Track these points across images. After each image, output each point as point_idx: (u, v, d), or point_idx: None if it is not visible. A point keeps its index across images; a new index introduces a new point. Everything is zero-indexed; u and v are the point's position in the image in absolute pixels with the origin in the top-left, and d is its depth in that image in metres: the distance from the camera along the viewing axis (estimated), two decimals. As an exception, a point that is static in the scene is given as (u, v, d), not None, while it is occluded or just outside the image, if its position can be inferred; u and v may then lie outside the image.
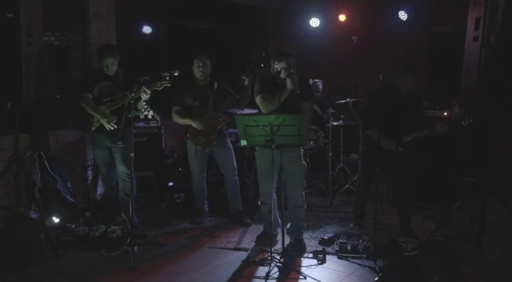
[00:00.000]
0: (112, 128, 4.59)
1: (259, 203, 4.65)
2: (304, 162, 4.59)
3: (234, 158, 5.13)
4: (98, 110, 4.63)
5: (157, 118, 5.45)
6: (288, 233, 4.49)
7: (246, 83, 4.75)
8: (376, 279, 3.68)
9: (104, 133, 4.68)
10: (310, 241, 4.61)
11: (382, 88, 4.75)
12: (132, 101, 4.30)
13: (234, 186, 5.16)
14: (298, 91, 4.11)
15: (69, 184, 5.03)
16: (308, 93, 4.40)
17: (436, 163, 5.48)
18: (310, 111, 4.46)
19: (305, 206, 4.52)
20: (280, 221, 4.58)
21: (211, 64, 4.97)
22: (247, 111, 5.45)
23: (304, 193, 4.55)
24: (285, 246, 4.12)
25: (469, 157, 5.05)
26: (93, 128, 4.72)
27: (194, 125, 4.92)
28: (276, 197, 4.52)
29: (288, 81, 4.12)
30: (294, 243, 4.49)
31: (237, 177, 5.16)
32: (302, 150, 4.49)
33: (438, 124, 4.39)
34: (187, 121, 4.96)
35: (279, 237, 4.32)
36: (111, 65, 4.66)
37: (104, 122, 4.61)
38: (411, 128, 4.52)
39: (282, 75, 4.20)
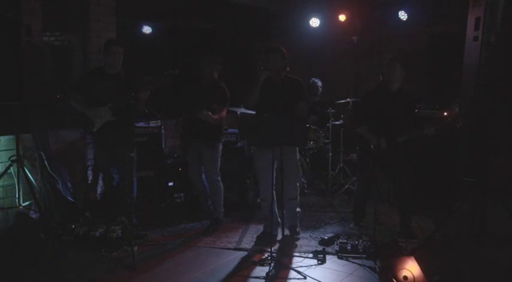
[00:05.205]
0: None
1: (258, 200, 4.68)
2: (298, 154, 4.63)
3: (219, 162, 5.01)
4: (88, 109, 4.59)
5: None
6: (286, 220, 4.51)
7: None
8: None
9: (105, 133, 4.68)
10: (310, 241, 4.61)
11: (374, 87, 4.84)
12: (133, 101, 4.30)
13: (218, 190, 5.05)
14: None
15: (69, 184, 5.03)
16: (304, 94, 4.52)
17: (436, 163, 5.47)
18: (304, 111, 4.57)
19: (298, 197, 4.68)
20: (280, 221, 4.59)
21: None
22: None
23: (298, 184, 4.71)
24: (283, 235, 4.23)
25: (469, 157, 5.04)
26: (94, 128, 4.71)
27: None
28: (275, 197, 4.54)
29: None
30: (290, 229, 4.65)
31: (221, 183, 5.04)
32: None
33: (426, 126, 4.42)
34: None
35: (279, 237, 4.32)
36: (119, 55, 4.58)
37: (94, 120, 4.59)
38: (404, 127, 4.53)
39: None
